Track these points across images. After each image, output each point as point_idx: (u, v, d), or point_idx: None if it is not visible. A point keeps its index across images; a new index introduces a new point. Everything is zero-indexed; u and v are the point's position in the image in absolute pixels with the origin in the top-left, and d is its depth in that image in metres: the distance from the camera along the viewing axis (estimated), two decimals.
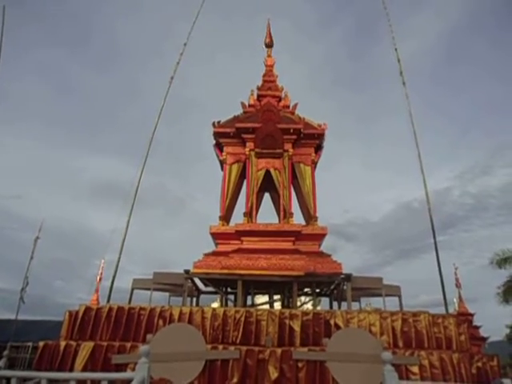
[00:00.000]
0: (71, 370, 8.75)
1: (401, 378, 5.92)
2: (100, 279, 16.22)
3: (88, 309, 10.12)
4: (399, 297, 12.16)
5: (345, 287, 12.10)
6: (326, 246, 13.75)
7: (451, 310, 13.47)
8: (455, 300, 17.76)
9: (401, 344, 9.37)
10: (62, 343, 9.30)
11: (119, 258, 12.89)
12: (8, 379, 6.39)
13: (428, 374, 8.56)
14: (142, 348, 5.42)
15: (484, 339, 16.86)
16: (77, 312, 10.03)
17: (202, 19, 17.85)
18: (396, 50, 16.37)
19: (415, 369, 8.63)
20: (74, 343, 9.26)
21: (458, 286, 17.75)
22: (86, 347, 9.11)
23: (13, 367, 11.18)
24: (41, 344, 9.50)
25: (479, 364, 9.22)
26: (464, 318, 14.83)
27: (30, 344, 16.26)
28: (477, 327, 16.83)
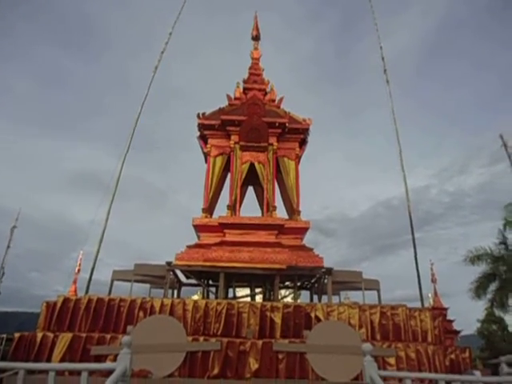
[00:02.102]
0: (48, 361, 8.59)
1: (378, 369, 6.06)
2: (78, 271, 15.94)
3: (66, 300, 9.94)
4: (378, 291, 12.42)
5: (325, 281, 12.28)
6: (306, 240, 13.90)
7: (426, 305, 13.87)
8: (430, 295, 18.34)
9: (378, 336, 9.61)
10: (39, 334, 9.12)
11: (98, 250, 12.67)
12: None
13: (404, 365, 8.82)
14: (124, 338, 5.36)
15: (457, 332, 17.54)
16: (55, 303, 9.84)
17: (188, 10, 17.61)
18: (381, 48, 16.58)
19: (392, 360, 8.87)
20: (51, 334, 9.10)
21: (433, 281, 18.34)
22: (64, 338, 8.97)
23: None
24: (16, 335, 9.30)
25: (452, 356, 9.57)
26: (439, 312, 15.32)
27: (4, 336, 15.81)
28: (450, 321, 17.48)
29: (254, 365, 8.55)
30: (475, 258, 18.79)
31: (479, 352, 21.75)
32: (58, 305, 9.77)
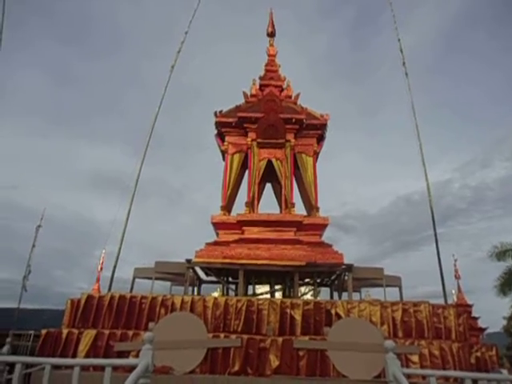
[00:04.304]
0: (73, 357, 8.81)
1: (401, 366, 5.96)
2: (101, 269, 16.32)
3: (90, 297, 10.15)
4: (400, 287, 12.22)
5: (346, 277, 12.15)
6: (325, 237, 13.77)
7: (449, 302, 13.57)
8: (454, 291, 17.94)
9: (401, 334, 9.44)
10: (64, 331, 9.36)
11: (120, 248, 12.89)
12: (11, 365, 6.43)
13: (428, 363, 8.64)
14: (147, 335, 5.45)
15: (482, 330, 17.10)
16: (79, 300, 10.06)
17: (203, 7, 17.64)
18: (399, 40, 16.23)
19: (415, 358, 8.72)
20: (76, 331, 9.32)
21: (457, 277, 17.93)
22: (88, 335, 9.18)
23: (15, 355, 11.26)
24: (43, 332, 9.56)
25: (478, 354, 9.34)
26: (463, 308, 14.97)
27: (32, 332, 16.32)
28: (475, 318, 17.05)
29: (274, 362, 8.55)
30: (501, 254, 18.26)
31: (505, 350, 21.17)
32: (82, 302, 9.98)
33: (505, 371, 8.18)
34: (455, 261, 17.82)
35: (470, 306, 17.38)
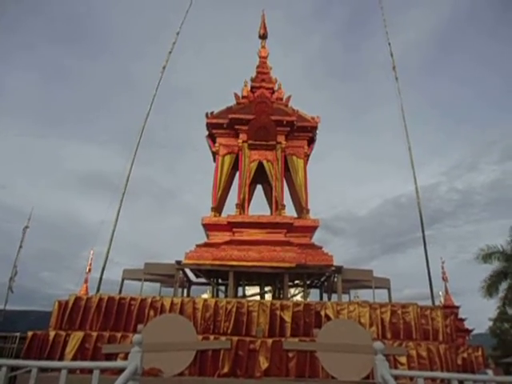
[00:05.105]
0: (61, 359, 8.69)
1: (389, 368, 6.01)
2: (89, 270, 16.09)
3: (78, 299, 10.03)
4: (388, 289, 12.34)
5: (335, 279, 12.22)
6: (315, 239, 13.82)
7: (437, 303, 13.73)
8: (441, 293, 18.14)
9: (389, 335, 9.52)
10: (51, 333, 9.23)
11: (109, 249, 12.77)
12: None
13: (416, 364, 8.73)
14: (135, 337, 5.38)
15: (469, 331, 17.31)
16: (66, 302, 9.93)
17: (195, 8, 17.63)
18: (389, 44, 16.44)
19: (403, 359, 8.79)
20: (63, 333, 9.20)
21: (444, 279, 18.09)
22: (76, 337, 9.06)
23: (0, 357, 11.05)
24: (29, 334, 9.41)
25: (464, 355, 9.45)
26: (450, 310, 15.15)
27: (18, 334, 16.04)
28: (462, 320, 17.25)
29: (264, 363, 8.54)
30: (487, 256, 18.57)
31: (491, 351, 21.49)
32: (70, 304, 9.86)
33: (490, 372, 8.29)
34: (443, 263, 18.00)
35: (457, 308, 17.58)
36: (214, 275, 13.74)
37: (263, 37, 17.42)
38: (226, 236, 13.00)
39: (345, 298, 13.52)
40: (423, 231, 13.26)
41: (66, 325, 9.64)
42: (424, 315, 9.93)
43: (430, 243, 13.50)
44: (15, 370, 6.83)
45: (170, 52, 16.31)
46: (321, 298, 14.19)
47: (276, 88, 15.85)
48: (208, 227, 13.34)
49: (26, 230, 19.63)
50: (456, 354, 9.33)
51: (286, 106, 15.16)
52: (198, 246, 12.85)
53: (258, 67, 16.50)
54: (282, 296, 13.16)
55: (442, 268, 18.08)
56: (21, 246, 19.15)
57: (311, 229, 13.44)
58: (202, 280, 14.00)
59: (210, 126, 14.65)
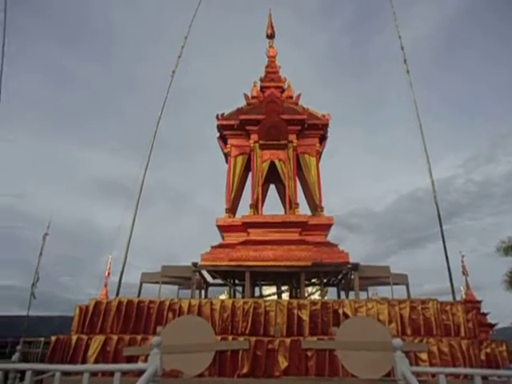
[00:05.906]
0: (83, 362, 8.88)
1: (410, 364, 5.93)
2: (108, 274, 16.42)
3: (98, 303, 10.22)
4: (407, 285, 12.16)
5: (352, 277, 12.12)
6: (330, 236, 13.75)
7: (457, 298, 13.48)
8: (462, 288, 17.82)
9: (409, 332, 9.39)
10: (74, 337, 9.43)
11: (126, 253, 12.96)
12: (22, 372, 6.48)
13: (437, 360, 8.60)
14: (155, 339, 5.46)
15: (492, 326, 16.97)
16: (87, 306, 10.13)
17: (202, 10, 17.72)
18: (400, 37, 16.19)
19: (424, 356, 8.67)
20: (85, 337, 9.39)
21: (464, 273, 17.80)
22: (97, 340, 9.23)
23: (25, 362, 11.35)
24: (53, 338, 9.65)
25: (488, 350, 9.26)
26: (471, 305, 14.88)
27: (42, 339, 16.43)
28: (484, 314, 16.93)
29: (283, 363, 8.55)
30: (508, 249, 18.14)
31: None
32: (90, 308, 10.05)
33: None
34: (462, 257, 17.70)
35: (479, 302, 17.25)
36: (230, 276, 13.80)
37: (271, 36, 17.43)
38: (240, 237, 13.04)
39: (363, 295, 13.41)
40: (441, 225, 13.02)
41: (87, 329, 9.84)
42: (444, 310, 9.76)
43: (449, 237, 13.26)
44: (40, 374, 7.03)
45: (179, 56, 16.44)
46: (338, 296, 14.09)
47: (285, 87, 15.84)
48: (223, 228, 13.41)
49: (46, 237, 20.03)
50: (479, 350, 9.15)
51: (296, 104, 15.11)
52: (213, 247, 12.93)
53: (266, 67, 16.52)
54: (299, 295, 13.13)
55: (462, 262, 17.79)
56: (41, 253, 19.57)
57: (326, 227, 13.37)
58: (219, 281, 14.08)
59: (220, 127, 14.72)
